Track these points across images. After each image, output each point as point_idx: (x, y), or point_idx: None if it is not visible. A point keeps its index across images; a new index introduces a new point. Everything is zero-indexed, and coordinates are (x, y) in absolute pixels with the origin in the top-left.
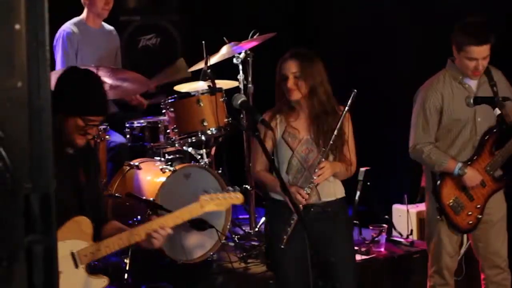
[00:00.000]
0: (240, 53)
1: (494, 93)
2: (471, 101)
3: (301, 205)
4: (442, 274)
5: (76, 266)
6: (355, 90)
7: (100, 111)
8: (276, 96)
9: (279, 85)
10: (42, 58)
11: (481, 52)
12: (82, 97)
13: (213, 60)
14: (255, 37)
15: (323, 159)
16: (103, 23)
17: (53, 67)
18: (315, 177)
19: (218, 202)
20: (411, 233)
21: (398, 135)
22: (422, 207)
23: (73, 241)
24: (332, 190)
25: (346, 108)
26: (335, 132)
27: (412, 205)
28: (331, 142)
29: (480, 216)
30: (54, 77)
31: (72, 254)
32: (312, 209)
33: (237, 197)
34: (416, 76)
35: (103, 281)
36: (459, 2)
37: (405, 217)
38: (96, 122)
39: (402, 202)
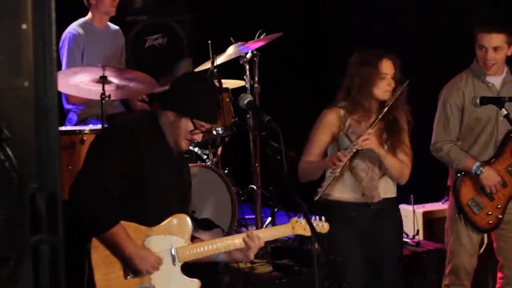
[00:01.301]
0: (246, 53)
1: None
2: (478, 101)
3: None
4: (458, 274)
5: (174, 263)
6: (408, 81)
7: (213, 118)
8: (356, 91)
9: (368, 81)
10: (49, 58)
11: (490, 40)
12: (201, 102)
13: (220, 60)
14: (261, 37)
15: (372, 130)
16: (108, 23)
17: (59, 68)
18: (359, 141)
19: (306, 227)
20: (417, 233)
21: None
22: (428, 207)
23: (172, 237)
24: (387, 188)
25: (395, 96)
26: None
27: (419, 205)
28: (382, 114)
29: (501, 216)
30: (60, 77)
31: (171, 250)
32: (371, 207)
33: (323, 227)
34: (423, 77)
35: (196, 283)
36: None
37: (411, 217)
38: (204, 128)
39: (408, 202)
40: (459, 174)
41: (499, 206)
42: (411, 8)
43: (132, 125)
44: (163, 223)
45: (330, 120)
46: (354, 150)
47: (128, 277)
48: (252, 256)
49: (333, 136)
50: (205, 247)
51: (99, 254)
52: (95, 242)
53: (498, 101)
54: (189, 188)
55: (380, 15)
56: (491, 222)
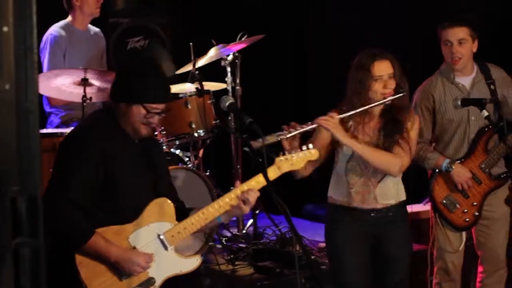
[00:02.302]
0: (228, 55)
1: (491, 91)
2: (459, 103)
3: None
4: (447, 270)
5: (166, 248)
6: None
7: (161, 98)
8: (355, 96)
9: (364, 85)
10: (30, 61)
11: (454, 33)
12: (144, 85)
13: (201, 62)
14: (243, 39)
15: (336, 114)
16: (89, 25)
17: (40, 70)
18: (319, 119)
19: (293, 161)
20: None
21: None
22: (415, 208)
23: (157, 224)
24: (390, 192)
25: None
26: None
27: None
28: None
29: (477, 214)
30: (41, 80)
31: (159, 237)
32: (372, 214)
33: (311, 153)
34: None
35: (196, 259)
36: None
37: None
38: (158, 110)
39: None
40: (432, 174)
41: (475, 203)
42: (391, 9)
43: (91, 127)
44: (142, 215)
45: None
46: (309, 127)
47: (123, 278)
48: (248, 208)
49: (334, 138)
50: (193, 222)
51: (86, 268)
52: (78, 259)
53: (479, 103)
54: (165, 169)
55: (361, 16)
56: (467, 220)
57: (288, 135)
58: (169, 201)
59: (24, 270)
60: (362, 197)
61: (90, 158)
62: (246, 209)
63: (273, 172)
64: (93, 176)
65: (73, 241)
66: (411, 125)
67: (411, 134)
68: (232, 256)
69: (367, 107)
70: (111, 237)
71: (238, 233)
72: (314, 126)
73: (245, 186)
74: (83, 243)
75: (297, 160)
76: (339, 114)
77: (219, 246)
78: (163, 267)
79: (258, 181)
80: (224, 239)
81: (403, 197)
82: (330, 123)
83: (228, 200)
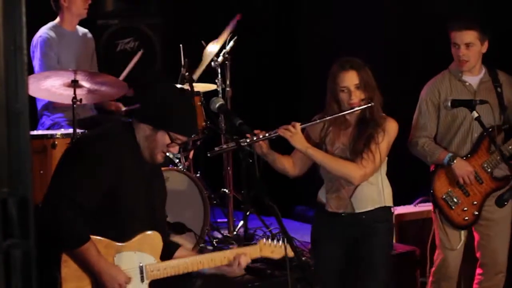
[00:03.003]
0: (218, 57)
1: (498, 94)
2: (449, 104)
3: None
4: (446, 269)
5: (142, 280)
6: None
7: (191, 131)
8: (328, 105)
9: (334, 95)
10: (20, 62)
11: (461, 37)
12: (178, 114)
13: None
14: (232, 41)
15: (299, 124)
16: (77, 26)
17: (31, 72)
18: (280, 128)
19: (274, 249)
20: None
21: None
22: (401, 210)
23: (142, 254)
24: (367, 198)
25: (356, 108)
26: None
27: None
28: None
29: (477, 213)
30: (31, 81)
31: (141, 268)
32: (342, 215)
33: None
34: (395, 80)
35: None
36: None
37: None
38: (181, 141)
39: None
40: (433, 168)
41: (475, 202)
42: (383, 11)
43: (109, 138)
44: (134, 239)
45: (313, 129)
46: (271, 135)
47: None
48: (239, 270)
49: (313, 144)
50: (174, 266)
51: (69, 268)
52: (65, 257)
53: (470, 104)
54: (163, 200)
55: (352, 16)
56: (467, 218)
57: (248, 142)
58: (161, 238)
59: (16, 271)
60: (334, 202)
61: (103, 169)
62: (236, 270)
63: (254, 252)
64: (101, 187)
65: (68, 243)
66: (382, 137)
67: (380, 146)
68: None
69: (327, 118)
70: (101, 248)
71: (228, 235)
72: (275, 134)
73: (238, 251)
74: (76, 247)
75: (277, 250)
76: (328, 124)
77: (210, 247)
78: None
79: (255, 249)
80: (215, 240)
81: (387, 202)
82: (288, 132)
83: (212, 259)
